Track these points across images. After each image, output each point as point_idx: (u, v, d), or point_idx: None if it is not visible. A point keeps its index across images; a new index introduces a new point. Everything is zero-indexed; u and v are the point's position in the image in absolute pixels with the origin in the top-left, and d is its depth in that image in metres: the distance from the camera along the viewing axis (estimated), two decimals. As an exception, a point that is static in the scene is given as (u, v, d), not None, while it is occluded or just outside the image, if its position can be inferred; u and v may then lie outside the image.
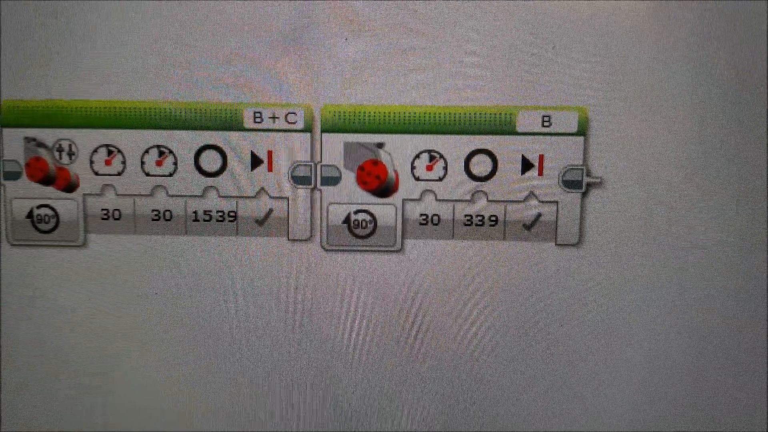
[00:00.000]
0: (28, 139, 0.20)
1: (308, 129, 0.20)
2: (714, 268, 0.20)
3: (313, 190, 0.20)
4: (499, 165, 0.20)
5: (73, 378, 0.20)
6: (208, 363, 0.20)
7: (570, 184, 0.19)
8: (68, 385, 0.21)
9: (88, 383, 0.20)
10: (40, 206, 0.20)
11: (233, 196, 0.20)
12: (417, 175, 0.20)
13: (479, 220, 0.20)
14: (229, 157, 0.20)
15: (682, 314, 0.20)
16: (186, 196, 0.20)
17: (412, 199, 0.20)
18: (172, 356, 0.20)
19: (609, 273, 0.20)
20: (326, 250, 0.20)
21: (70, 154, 0.20)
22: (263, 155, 0.20)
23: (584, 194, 0.20)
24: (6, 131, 0.20)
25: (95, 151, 0.20)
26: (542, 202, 0.20)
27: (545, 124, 0.19)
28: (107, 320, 0.20)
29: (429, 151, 0.19)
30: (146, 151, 0.20)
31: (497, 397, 0.20)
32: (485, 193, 0.20)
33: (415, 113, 0.19)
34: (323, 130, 0.20)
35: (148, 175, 0.20)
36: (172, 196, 0.20)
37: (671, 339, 0.20)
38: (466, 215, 0.20)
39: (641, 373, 0.20)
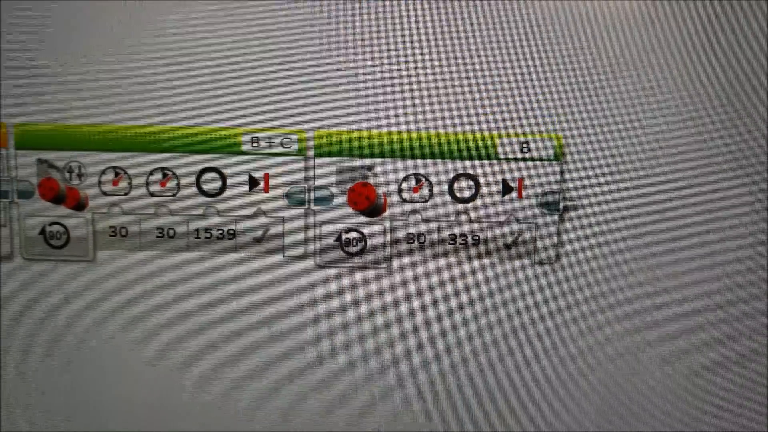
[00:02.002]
0: (40, 161, 0.21)
1: (302, 153, 0.21)
2: (687, 284, 0.21)
3: (306, 210, 0.21)
4: (481, 188, 0.21)
5: (75, 381, 0.22)
6: (208, 370, 0.22)
7: (547, 207, 0.21)
8: (69, 387, 0.22)
9: (89, 387, 0.22)
10: (52, 223, 0.21)
11: (232, 216, 0.21)
12: (404, 196, 0.21)
13: (462, 240, 0.21)
14: (228, 179, 0.21)
15: (656, 329, 0.21)
16: (188, 215, 0.21)
17: (400, 219, 0.21)
18: (173, 363, 0.21)
19: (585, 289, 0.21)
20: (319, 267, 0.21)
21: (80, 175, 0.21)
22: (260, 177, 0.21)
23: (561, 216, 0.21)
24: (20, 153, 0.21)
25: (103, 172, 0.21)
26: (522, 223, 0.21)
27: (524, 150, 0.20)
28: (113, 328, 0.21)
29: (415, 175, 0.21)
30: (151, 173, 0.21)
31: (479, 404, 0.21)
32: (468, 215, 0.21)
33: (402, 139, 0.20)
34: (316, 154, 0.21)
35: (152, 195, 0.21)
36: (175, 215, 0.21)
37: (648, 352, 0.22)
38: (450, 235, 0.21)
39: (616, 382, 0.22)
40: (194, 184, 0.21)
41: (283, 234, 0.21)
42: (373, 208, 0.21)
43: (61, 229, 0.21)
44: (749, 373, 0.22)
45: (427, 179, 0.21)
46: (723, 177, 0.20)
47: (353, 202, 0.21)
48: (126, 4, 0.20)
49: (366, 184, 0.21)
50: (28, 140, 0.21)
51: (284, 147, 0.21)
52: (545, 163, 0.20)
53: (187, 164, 0.20)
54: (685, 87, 0.20)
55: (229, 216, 0.21)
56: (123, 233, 0.21)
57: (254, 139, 0.20)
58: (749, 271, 0.21)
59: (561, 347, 0.21)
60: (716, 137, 0.20)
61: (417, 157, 0.20)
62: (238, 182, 0.21)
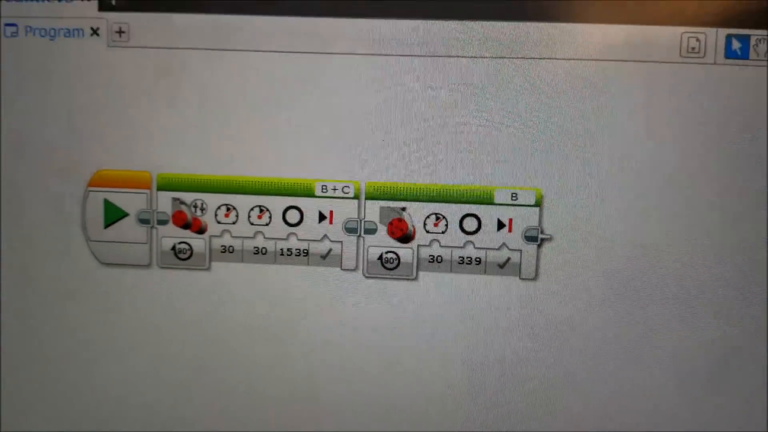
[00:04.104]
0: (174, 199, 0.30)
1: (357, 197, 0.29)
2: (651, 289, 0.29)
3: (358, 237, 0.29)
4: (483, 224, 0.28)
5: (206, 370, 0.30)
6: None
7: (529, 239, 0.28)
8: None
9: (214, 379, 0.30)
10: (180, 242, 0.30)
11: (306, 240, 0.29)
12: (428, 229, 0.29)
13: (468, 260, 0.28)
14: (305, 214, 0.29)
15: (616, 332, 0.29)
16: (276, 238, 0.29)
17: (424, 245, 0.29)
18: (270, 342, 0.29)
19: (557, 299, 0.28)
20: (366, 277, 0.29)
21: (202, 209, 0.29)
22: (327, 213, 0.29)
23: (539, 245, 0.28)
24: (160, 193, 0.30)
25: (218, 207, 0.29)
26: (511, 249, 0.28)
27: (513, 198, 0.28)
28: (223, 318, 0.29)
29: (436, 214, 0.29)
30: (251, 209, 0.29)
31: (483, 403, 0.29)
32: (473, 243, 0.28)
33: (427, 188, 0.28)
34: (366, 198, 0.29)
35: (252, 224, 0.29)
36: (267, 238, 0.29)
37: (616, 358, 0.28)
38: (459, 257, 0.28)
39: (588, 388, 0.29)
40: (281, 217, 0.28)
41: (341, 253, 0.29)
42: (405, 237, 0.28)
43: (187, 247, 0.29)
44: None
45: (444, 217, 0.28)
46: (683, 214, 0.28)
47: (391, 232, 0.29)
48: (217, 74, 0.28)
49: (401, 220, 0.29)
50: (166, 185, 0.29)
51: (344, 193, 0.29)
52: (528, 208, 0.27)
53: (276, 203, 0.28)
54: (648, 147, 0.28)
55: (304, 240, 0.28)
56: (230, 250, 0.29)
57: (323, 187, 0.29)
58: (713, 303, 0.27)
59: (537, 345, 0.29)
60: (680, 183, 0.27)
61: (437, 202, 0.28)
62: (311, 216, 0.28)
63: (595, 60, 0.27)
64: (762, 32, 0.26)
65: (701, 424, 0.28)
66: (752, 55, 0.26)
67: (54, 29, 0.28)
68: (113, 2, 0.28)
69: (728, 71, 0.26)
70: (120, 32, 0.28)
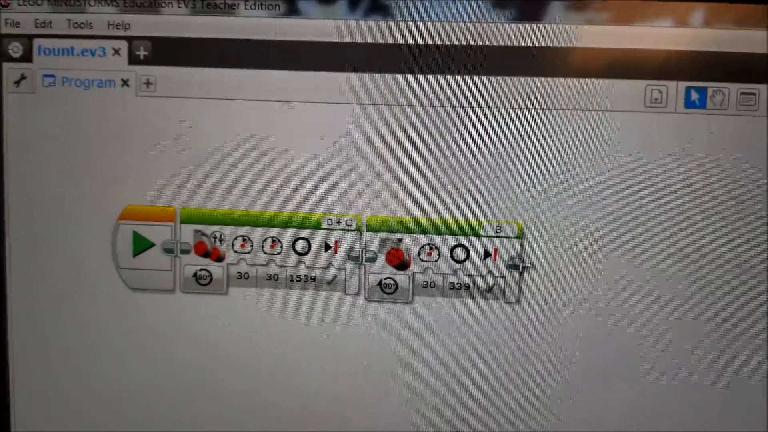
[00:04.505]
0: (195, 231, 0.33)
1: (359, 229, 0.32)
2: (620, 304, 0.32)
3: (360, 264, 0.33)
4: (471, 254, 0.32)
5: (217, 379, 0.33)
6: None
7: (512, 267, 0.31)
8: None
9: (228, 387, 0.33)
10: (201, 269, 0.33)
11: (314, 267, 0.32)
12: (422, 258, 0.32)
13: (458, 286, 0.31)
14: (312, 244, 0.33)
15: (592, 344, 0.32)
16: (287, 266, 0.32)
17: (419, 272, 0.32)
18: (283, 357, 0.32)
19: (536, 319, 0.32)
20: (367, 301, 0.32)
21: (221, 240, 0.33)
22: (332, 244, 0.32)
23: (521, 273, 0.32)
24: (183, 226, 0.33)
25: (235, 238, 0.32)
26: (496, 276, 0.31)
27: (497, 231, 0.31)
28: (236, 336, 0.33)
29: (429, 244, 0.32)
30: (265, 240, 0.32)
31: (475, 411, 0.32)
32: (462, 270, 0.32)
33: (421, 221, 0.32)
34: (367, 230, 0.32)
35: (265, 253, 0.32)
36: (279, 266, 0.32)
37: (593, 374, 0.31)
38: (450, 283, 0.31)
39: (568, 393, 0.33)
40: (291, 247, 0.31)
41: (345, 279, 0.31)
42: (402, 265, 0.32)
43: (207, 274, 0.32)
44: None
45: (436, 247, 0.31)
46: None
47: (389, 261, 0.32)
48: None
49: (398, 249, 0.32)
50: (188, 218, 0.32)
51: (347, 225, 0.32)
52: (511, 240, 0.31)
53: (287, 235, 0.31)
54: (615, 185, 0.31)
55: (312, 267, 0.31)
56: (246, 277, 0.31)
57: (329, 220, 0.32)
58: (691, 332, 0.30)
59: (520, 360, 0.32)
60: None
61: (430, 234, 0.32)
62: (318, 246, 0.32)
63: (569, 110, 0.30)
64: (718, 84, 0.30)
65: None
66: (709, 104, 0.30)
67: (88, 80, 0.31)
68: (141, 58, 0.31)
69: (688, 119, 0.30)
70: (147, 83, 0.31)
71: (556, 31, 0.30)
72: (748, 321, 0.30)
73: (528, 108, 0.30)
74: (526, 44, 0.30)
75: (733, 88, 0.29)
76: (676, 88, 0.29)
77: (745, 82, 0.29)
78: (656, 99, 0.30)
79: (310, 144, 0.30)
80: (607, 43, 0.29)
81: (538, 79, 0.30)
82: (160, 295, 0.32)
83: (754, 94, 0.29)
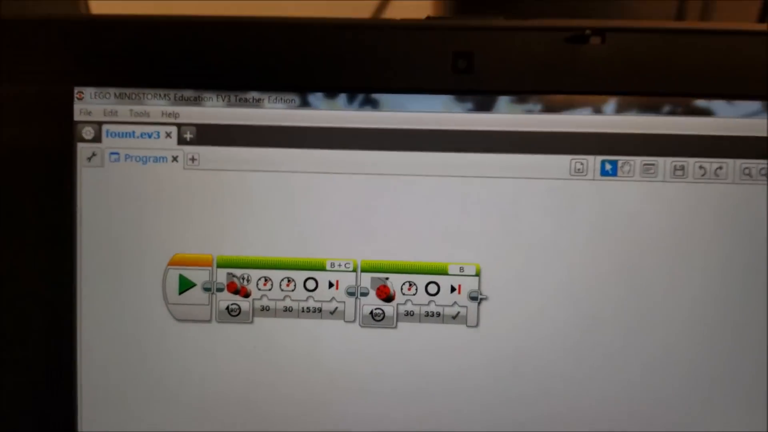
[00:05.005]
0: (228, 273, 0.42)
1: (355, 270, 0.41)
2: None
3: (356, 298, 0.42)
4: (441, 288, 0.40)
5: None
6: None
7: (472, 298, 0.40)
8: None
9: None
10: (232, 304, 0.42)
11: (320, 300, 0.41)
12: (404, 292, 0.41)
13: (431, 314, 0.40)
14: (318, 282, 0.41)
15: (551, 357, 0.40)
16: (299, 300, 0.41)
17: (402, 304, 0.41)
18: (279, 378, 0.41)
19: (492, 340, 0.41)
20: (361, 327, 0.41)
21: (248, 280, 0.41)
22: (334, 282, 0.41)
23: (479, 303, 0.41)
24: (218, 270, 0.42)
25: (259, 279, 0.41)
26: (460, 306, 0.40)
27: (461, 271, 0.40)
28: (261, 357, 0.41)
29: (409, 281, 0.41)
30: (282, 280, 0.41)
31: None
32: (434, 302, 0.41)
33: (403, 264, 0.41)
34: (362, 271, 0.41)
35: (282, 290, 0.41)
36: (293, 300, 0.41)
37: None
38: (425, 311, 0.40)
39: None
40: (303, 285, 0.40)
41: (344, 310, 0.41)
42: (388, 298, 0.41)
43: (237, 307, 0.41)
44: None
45: (415, 284, 0.40)
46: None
47: (379, 295, 0.41)
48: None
49: (385, 286, 0.41)
50: (223, 263, 0.41)
51: (346, 267, 0.41)
52: (472, 277, 0.40)
53: (300, 275, 0.41)
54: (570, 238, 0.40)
55: (318, 300, 0.41)
56: (267, 309, 0.41)
57: (332, 263, 0.41)
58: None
59: (479, 370, 0.40)
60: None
61: (410, 273, 0.41)
62: (323, 284, 0.41)
63: (515, 177, 0.39)
64: (626, 157, 0.39)
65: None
66: (620, 173, 0.39)
67: (146, 157, 0.41)
68: (188, 139, 0.41)
69: (602, 184, 0.39)
70: (192, 159, 0.41)
71: (503, 118, 0.39)
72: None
73: (483, 176, 0.39)
74: (480, 129, 0.39)
75: (638, 160, 0.39)
76: (594, 161, 0.39)
77: (647, 155, 0.39)
78: (578, 169, 0.39)
79: (315, 209, 0.40)
80: (541, 127, 0.39)
81: (490, 154, 0.39)
82: (200, 325, 0.40)
83: (654, 164, 0.39)
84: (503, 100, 0.38)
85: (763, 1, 0.49)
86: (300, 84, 0.38)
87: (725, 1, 0.54)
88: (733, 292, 0.35)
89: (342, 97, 0.38)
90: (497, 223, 0.36)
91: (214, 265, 0.37)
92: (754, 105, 0.37)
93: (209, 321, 0.37)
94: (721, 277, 0.34)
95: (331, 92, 0.38)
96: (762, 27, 0.36)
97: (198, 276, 0.37)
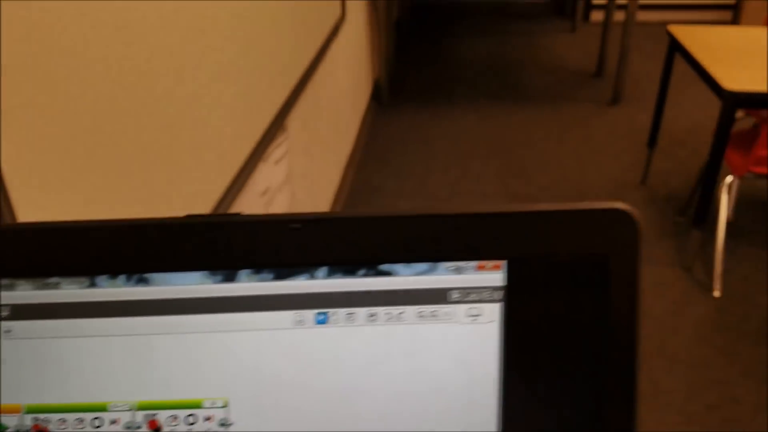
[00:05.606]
0: (33, 417, 0.54)
1: (132, 409, 0.54)
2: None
3: (133, 431, 0.54)
4: (198, 418, 0.54)
5: None
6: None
7: (223, 425, 0.53)
8: None
9: None
10: (36, 442, 0.54)
11: (105, 435, 0.53)
12: (167, 423, 0.54)
13: None
14: (104, 420, 0.54)
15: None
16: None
17: (169, 433, 0.53)
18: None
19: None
20: None
21: (48, 421, 0.54)
22: (116, 419, 0.54)
23: (228, 428, 0.54)
24: (26, 415, 0.54)
25: (57, 420, 0.54)
26: None
27: (213, 404, 0.53)
28: None
29: (172, 415, 0.54)
30: (74, 419, 0.54)
31: None
32: (192, 430, 0.54)
33: (167, 402, 0.53)
34: (137, 410, 0.54)
35: (74, 429, 0.54)
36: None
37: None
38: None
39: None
40: (90, 423, 0.54)
41: None
42: (157, 429, 0.54)
43: (40, 445, 0.53)
44: None
45: (177, 416, 0.54)
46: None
47: (150, 427, 0.54)
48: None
49: (154, 420, 0.53)
50: (29, 410, 0.53)
51: (123, 407, 0.54)
52: (221, 408, 0.54)
53: (87, 416, 0.53)
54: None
55: None
56: None
57: (113, 405, 0.54)
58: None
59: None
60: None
61: (172, 409, 0.54)
62: (107, 421, 0.53)
63: (258, 330, 0.54)
64: (334, 309, 0.54)
65: None
66: (330, 321, 0.54)
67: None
68: (3, 316, 0.54)
69: (319, 330, 0.54)
70: (8, 331, 0.54)
71: (243, 286, 0.54)
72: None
73: (229, 331, 0.53)
74: (227, 295, 0.54)
75: (342, 311, 0.54)
76: (310, 313, 0.54)
77: (348, 307, 0.54)
78: (299, 320, 0.54)
79: (105, 361, 0.53)
80: (271, 291, 0.54)
81: (235, 314, 0.54)
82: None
83: (354, 313, 0.54)
84: (243, 273, 0.53)
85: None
86: (89, 270, 0.52)
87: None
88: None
89: (122, 277, 0.53)
90: (241, 365, 0.50)
91: (23, 411, 0.50)
92: (423, 266, 0.52)
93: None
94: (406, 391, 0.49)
95: (112, 274, 0.52)
96: (409, 212, 0.52)
97: (10, 420, 0.49)
